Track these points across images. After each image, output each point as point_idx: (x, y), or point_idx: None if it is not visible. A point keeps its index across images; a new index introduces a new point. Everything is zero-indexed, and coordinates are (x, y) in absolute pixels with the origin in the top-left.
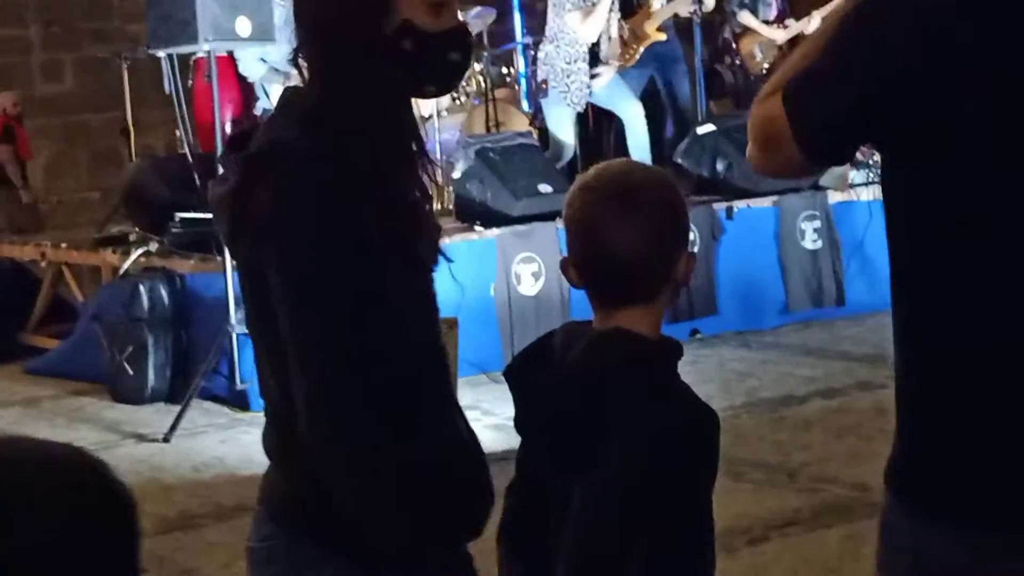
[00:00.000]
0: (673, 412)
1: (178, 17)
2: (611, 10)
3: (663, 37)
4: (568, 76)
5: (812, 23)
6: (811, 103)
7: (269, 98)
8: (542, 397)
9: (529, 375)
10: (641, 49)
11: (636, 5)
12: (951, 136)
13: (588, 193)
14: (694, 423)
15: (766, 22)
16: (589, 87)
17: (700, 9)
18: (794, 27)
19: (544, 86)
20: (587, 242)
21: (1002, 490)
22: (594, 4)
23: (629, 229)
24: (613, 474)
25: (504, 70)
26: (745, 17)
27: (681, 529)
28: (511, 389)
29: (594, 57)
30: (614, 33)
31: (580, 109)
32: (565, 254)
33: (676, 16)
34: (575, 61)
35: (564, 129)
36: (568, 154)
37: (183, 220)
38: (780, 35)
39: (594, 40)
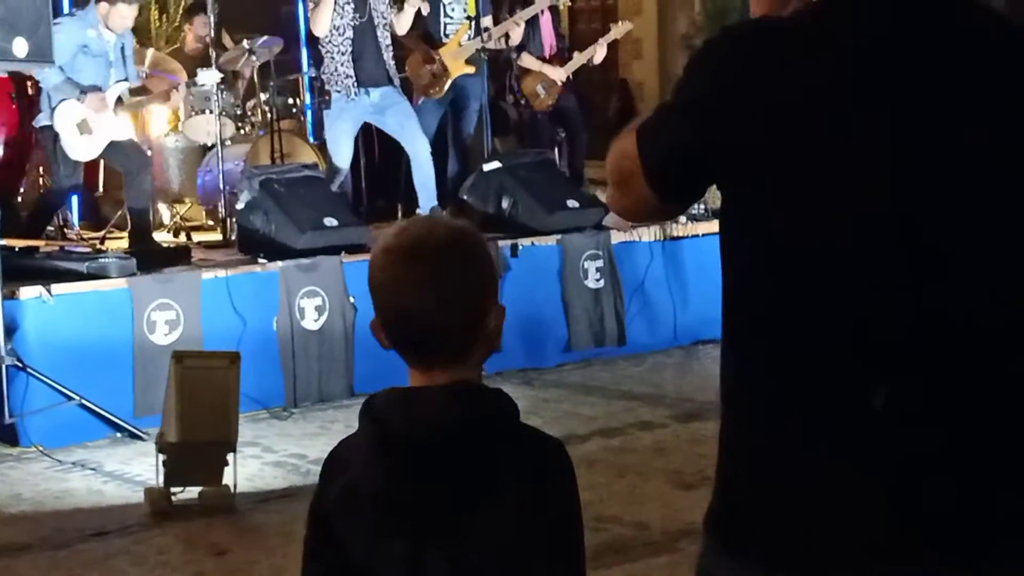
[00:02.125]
0: (551, 447)
1: None
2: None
3: (472, 70)
4: (335, 71)
5: (598, 53)
6: (658, 138)
7: (53, 115)
8: (393, 469)
9: (358, 455)
10: (448, 82)
11: (444, 38)
12: (749, 174)
13: (388, 254)
14: (565, 454)
15: (542, 59)
16: (355, 80)
17: (506, 42)
18: (577, 59)
19: (326, 99)
20: (390, 305)
21: (806, 536)
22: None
23: (429, 292)
24: (515, 526)
25: (290, 101)
26: (526, 59)
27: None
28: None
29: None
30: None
31: (370, 114)
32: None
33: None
34: (336, 55)
35: (340, 148)
36: (341, 175)
37: None
38: (560, 72)
39: (324, 33)
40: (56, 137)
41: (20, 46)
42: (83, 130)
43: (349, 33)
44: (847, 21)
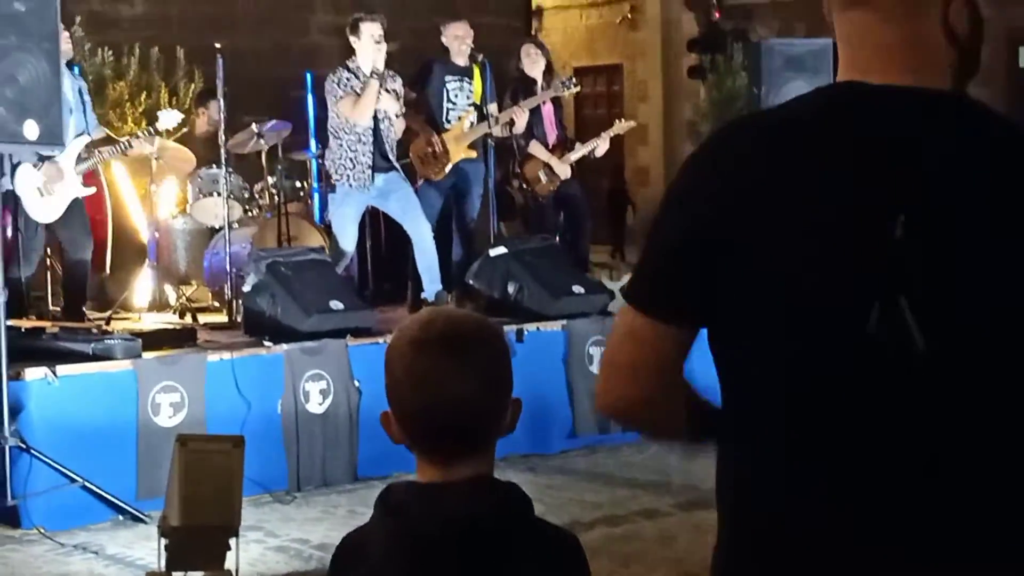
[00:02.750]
0: (569, 544)
1: None
2: (386, 90)
3: (474, 154)
4: (351, 161)
5: (601, 146)
6: (641, 268)
7: (13, 177)
8: (415, 564)
9: (375, 548)
10: (449, 165)
11: (447, 123)
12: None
13: (420, 346)
14: (581, 550)
15: (545, 145)
16: (372, 169)
17: (511, 129)
18: (580, 150)
19: (331, 183)
20: (425, 396)
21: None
22: (363, 88)
23: (472, 380)
24: None
25: (297, 184)
26: (534, 147)
27: None
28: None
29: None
30: (392, 111)
31: (373, 198)
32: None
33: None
34: (355, 145)
35: (345, 231)
36: (346, 259)
37: None
38: (565, 168)
39: (368, 124)
40: (17, 200)
41: (31, 129)
42: (43, 192)
43: (371, 123)
44: (847, 119)
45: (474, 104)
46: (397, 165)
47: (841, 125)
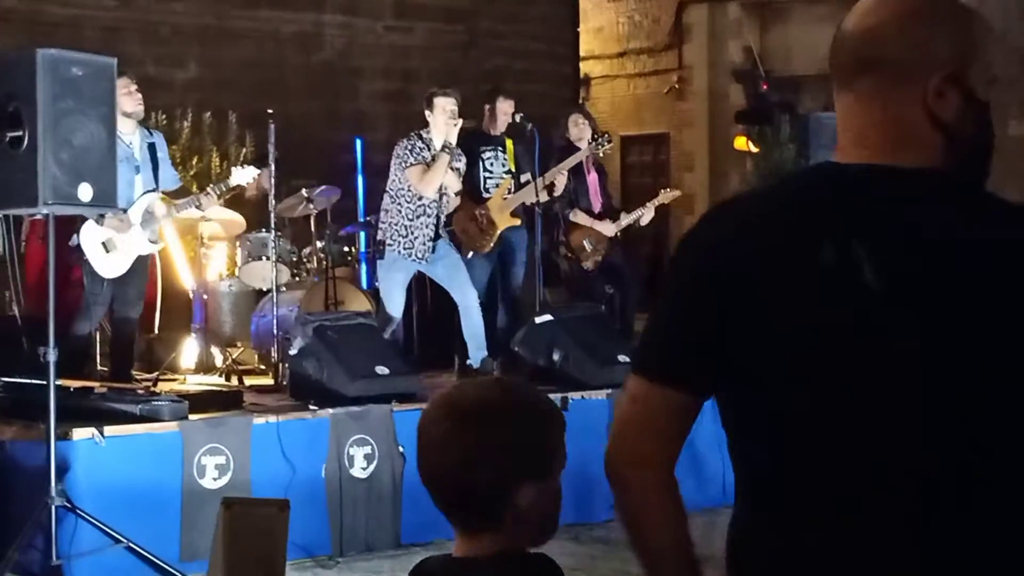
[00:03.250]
0: None
1: (18, 179)
2: (451, 167)
3: (517, 222)
4: (412, 232)
5: (646, 215)
6: (650, 340)
7: (80, 237)
8: None
9: None
10: (496, 235)
11: (485, 192)
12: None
13: (426, 414)
14: None
15: (590, 214)
16: (433, 243)
17: (551, 194)
18: (625, 219)
19: (380, 247)
20: (422, 464)
21: None
22: (433, 159)
23: (455, 453)
24: None
25: (345, 249)
26: (577, 215)
27: None
28: None
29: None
30: (453, 188)
31: (423, 263)
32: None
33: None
34: (418, 217)
35: (393, 297)
36: (393, 324)
37: (6, 384)
38: (610, 228)
39: (434, 197)
40: (83, 256)
41: (85, 191)
42: (109, 248)
43: (436, 196)
44: (818, 195)
45: (510, 171)
46: (444, 233)
47: (813, 200)
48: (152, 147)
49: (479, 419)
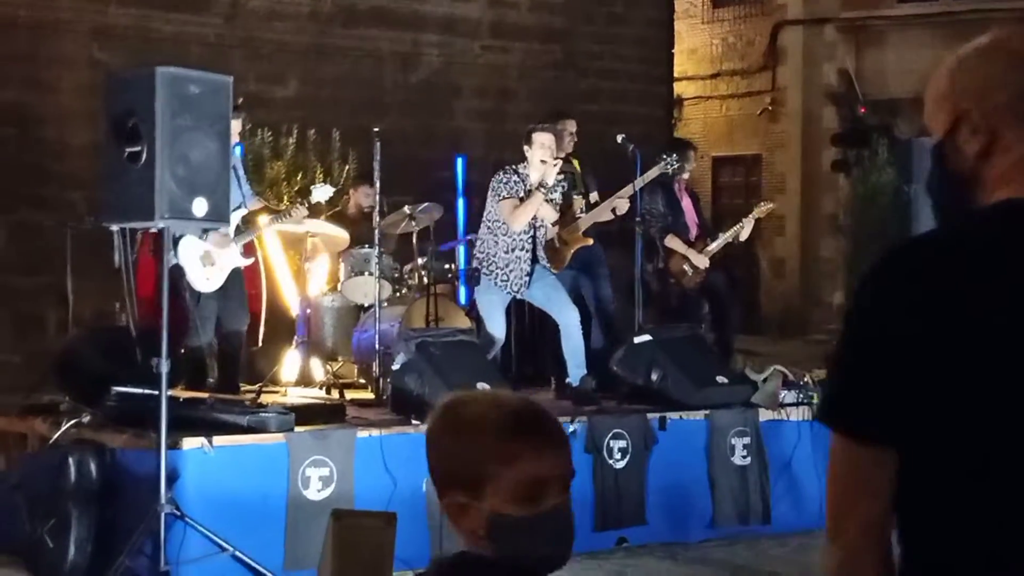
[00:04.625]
0: None
1: (135, 193)
2: (547, 199)
3: (589, 242)
4: (507, 265)
5: (745, 231)
6: (841, 389)
7: (177, 254)
8: None
9: None
10: (570, 254)
11: (560, 213)
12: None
13: None
14: None
15: (688, 241)
16: (529, 276)
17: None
18: (722, 238)
19: (476, 274)
20: None
21: None
22: (528, 194)
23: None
24: None
25: (446, 266)
26: (671, 241)
27: None
28: None
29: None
30: (548, 218)
31: (519, 295)
32: None
33: (604, 224)
34: (513, 250)
35: (493, 319)
36: (496, 346)
37: (118, 393)
38: (703, 260)
39: (524, 228)
40: (182, 272)
41: (200, 206)
42: (206, 262)
43: (531, 232)
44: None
45: (580, 192)
46: (542, 256)
47: (1010, 238)
48: (234, 166)
49: (440, 418)
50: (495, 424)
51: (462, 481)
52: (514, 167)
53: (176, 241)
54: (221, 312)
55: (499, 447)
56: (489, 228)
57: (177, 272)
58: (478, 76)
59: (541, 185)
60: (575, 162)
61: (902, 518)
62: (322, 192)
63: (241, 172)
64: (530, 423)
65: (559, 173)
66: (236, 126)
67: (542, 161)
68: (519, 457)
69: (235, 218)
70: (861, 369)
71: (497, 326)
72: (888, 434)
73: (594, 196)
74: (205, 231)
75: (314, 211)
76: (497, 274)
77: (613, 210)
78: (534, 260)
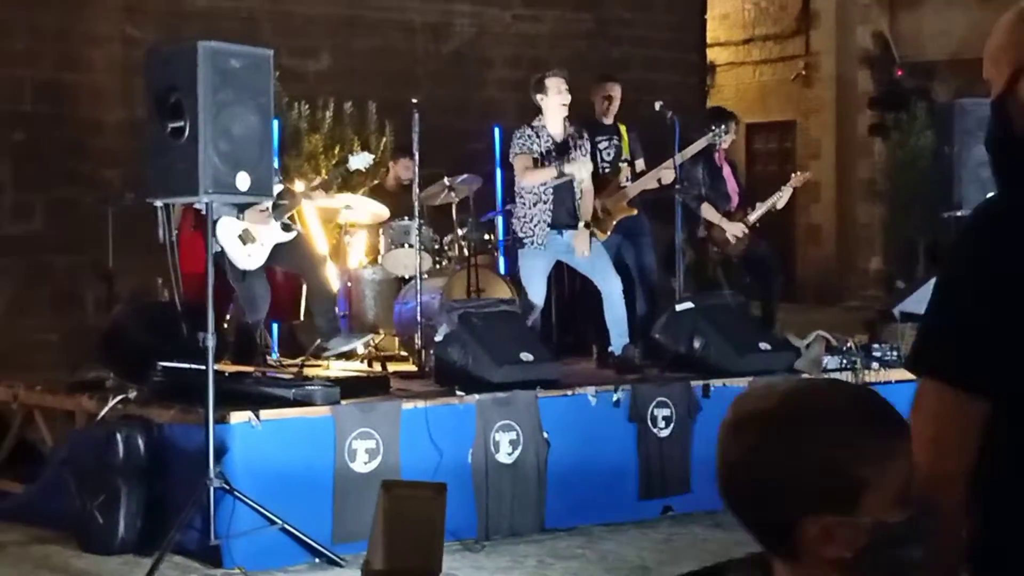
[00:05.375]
0: None
1: (178, 169)
2: (571, 160)
3: (634, 212)
4: (532, 219)
5: (783, 198)
6: (943, 339)
7: (217, 237)
8: None
9: None
10: (613, 223)
11: (605, 182)
12: None
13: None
14: None
15: (728, 213)
16: (550, 227)
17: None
18: (760, 208)
19: (519, 238)
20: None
21: None
22: (544, 155)
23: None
24: None
25: (486, 236)
26: (706, 211)
27: None
28: None
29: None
30: (579, 175)
31: (544, 247)
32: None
33: (643, 192)
34: (535, 204)
35: (534, 285)
36: (535, 312)
37: (165, 369)
38: (737, 227)
39: (532, 188)
40: (223, 252)
41: (243, 180)
42: (246, 240)
43: (551, 184)
44: None
45: (626, 160)
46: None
47: None
48: None
49: (755, 428)
50: (859, 416)
51: (829, 495)
52: (529, 123)
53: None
54: (308, 288)
55: (875, 442)
56: (518, 192)
57: (219, 254)
58: (510, 46)
59: (560, 161)
60: (622, 129)
61: (985, 475)
62: (360, 160)
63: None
64: (884, 408)
65: (605, 139)
66: None
67: (563, 105)
68: (896, 451)
69: (274, 191)
70: (977, 318)
71: (536, 292)
72: (998, 385)
73: (640, 164)
74: (241, 210)
75: (354, 182)
76: (527, 232)
77: (659, 179)
78: (571, 216)
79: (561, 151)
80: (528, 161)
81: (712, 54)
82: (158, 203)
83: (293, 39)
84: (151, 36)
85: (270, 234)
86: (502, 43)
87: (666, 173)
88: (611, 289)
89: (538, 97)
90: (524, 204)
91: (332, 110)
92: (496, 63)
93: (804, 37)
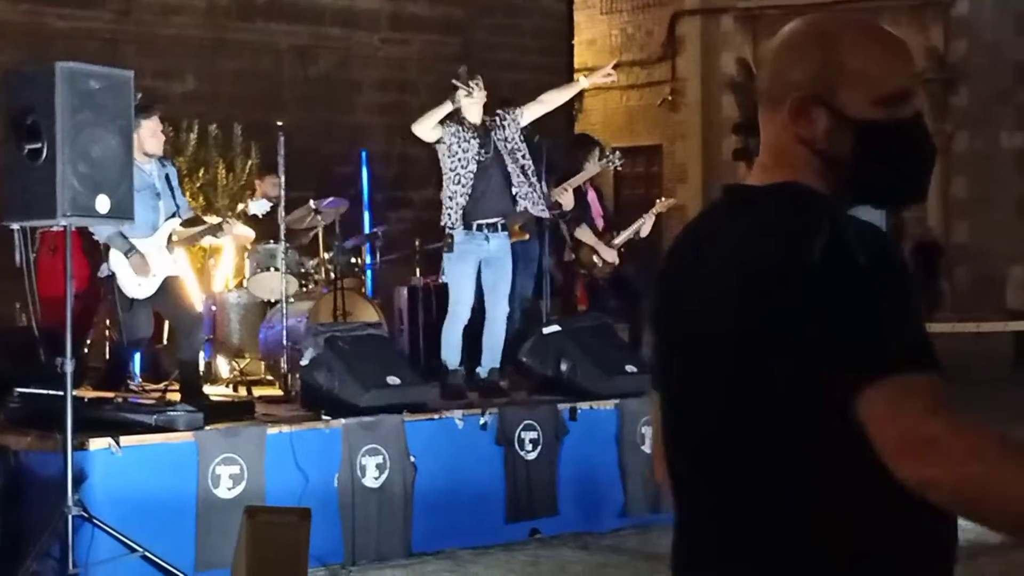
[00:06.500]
0: None
1: (36, 191)
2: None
3: (526, 237)
4: (451, 200)
5: (646, 226)
6: (911, 336)
7: (109, 263)
8: None
9: None
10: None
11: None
12: None
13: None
14: None
15: (595, 230)
16: (463, 206)
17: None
18: (624, 234)
19: (449, 239)
20: None
21: None
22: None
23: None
24: None
25: (352, 260)
26: (582, 233)
27: None
28: None
29: None
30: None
31: (481, 252)
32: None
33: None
34: (451, 185)
35: (459, 289)
36: (465, 313)
37: (22, 395)
38: (612, 254)
39: (426, 135)
40: (117, 284)
41: (103, 203)
42: (138, 270)
43: (472, 167)
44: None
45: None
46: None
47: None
48: (167, 177)
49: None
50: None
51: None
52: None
53: (106, 251)
54: (177, 343)
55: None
56: (447, 183)
57: (112, 286)
58: (378, 69)
59: (451, 100)
60: None
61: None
62: (259, 207)
63: (175, 182)
64: None
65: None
66: (152, 126)
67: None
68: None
69: (168, 227)
70: (918, 318)
71: (462, 297)
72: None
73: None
74: (130, 250)
75: (219, 204)
76: (449, 222)
77: (555, 206)
78: (499, 226)
79: (482, 133)
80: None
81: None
82: (15, 226)
83: (157, 60)
84: (11, 57)
85: (163, 266)
86: (370, 66)
87: (563, 199)
88: (497, 314)
89: (457, 95)
90: (445, 192)
91: (197, 132)
92: (364, 87)
93: (670, 63)
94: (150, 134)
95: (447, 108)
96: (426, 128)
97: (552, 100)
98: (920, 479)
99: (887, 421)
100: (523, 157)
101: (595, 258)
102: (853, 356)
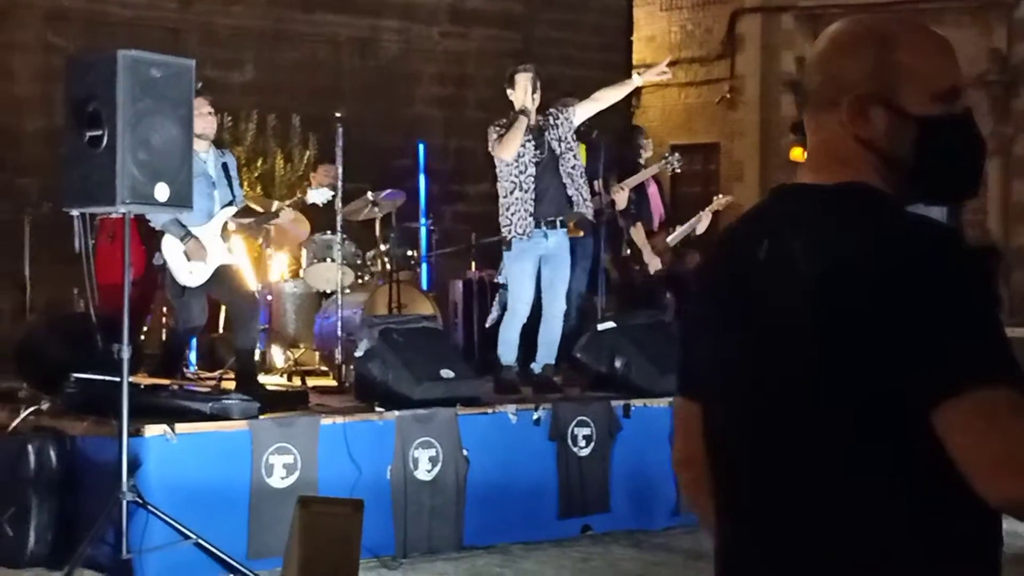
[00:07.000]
0: None
1: (96, 178)
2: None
3: (580, 233)
4: (509, 208)
5: (702, 223)
6: (996, 347)
7: (162, 251)
8: None
9: None
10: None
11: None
12: None
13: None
14: None
15: (650, 231)
16: (532, 217)
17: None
18: (680, 231)
19: (506, 241)
20: None
21: None
22: (510, 124)
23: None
24: None
25: (408, 252)
26: (636, 233)
27: None
28: None
29: None
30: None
31: (529, 236)
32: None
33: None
34: (511, 192)
35: (518, 289)
36: (525, 311)
37: (78, 380)
38: (656, 261)
39: (513, 157)
40: (167, 268)
41: (162, 191)
42: (191, 257)
43: (532, 171)
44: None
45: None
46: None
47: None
48: (225, 166)
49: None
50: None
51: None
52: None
53: (160, 242)
54: (234, 331)
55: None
56: (500, 191)
57: (162, 271)
58: (437, 63)
59: (523, 111)
60: (582, 146)
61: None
62: (319, 195)
63: (234, 172)
64: None
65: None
66: (207, 106)
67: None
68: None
69: (224, 215)
70: (999, 328)
71: (522, 296)
72: None
73: (596, 185)
74: (187, 236)
75: (278, 194)
76: (507, 223)
77: (611, 203)
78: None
79: (537, 134)
80: (500, 139)
81: None
82: (75, 212)
83: (218, 50)
84: (73, 45)
85: (215, 255)
86: (429, 60)
87: (619, 197)
88: (555, 311)
89: (509, 92)
90: (504, 194)
91: (255, 122)
92: (423, 79)
93: (729, 61)
94: (202, 116)
95: (524, 124)
96: (512, 150)
97: (606, 98)
98: (1017, 497)
99: (981, 436)
100: (574, 157)
101: (642, 261)
102: (942, 363)
